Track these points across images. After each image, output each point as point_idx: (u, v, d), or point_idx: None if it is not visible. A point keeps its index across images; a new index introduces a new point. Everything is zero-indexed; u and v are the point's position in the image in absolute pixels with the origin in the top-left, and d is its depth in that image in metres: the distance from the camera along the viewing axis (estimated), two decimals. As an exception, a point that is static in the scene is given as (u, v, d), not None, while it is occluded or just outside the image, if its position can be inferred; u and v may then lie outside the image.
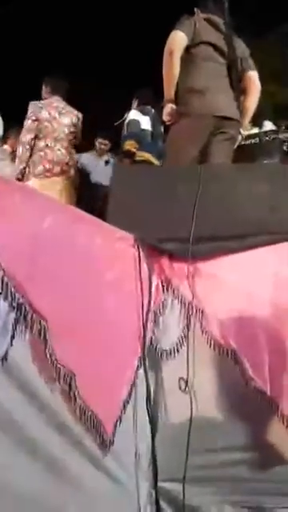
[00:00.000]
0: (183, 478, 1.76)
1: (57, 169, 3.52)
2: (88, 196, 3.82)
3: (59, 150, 3.55)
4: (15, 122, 4.18)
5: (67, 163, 3.59)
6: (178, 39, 2.56)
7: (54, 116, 3.58)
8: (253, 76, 2.77)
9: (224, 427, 1.85)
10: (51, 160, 3.51)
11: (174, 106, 2.64)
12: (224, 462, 1.84)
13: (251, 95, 2.76)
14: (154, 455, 1.79)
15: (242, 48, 2.77)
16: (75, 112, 3.74)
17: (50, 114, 3.58)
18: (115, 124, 3.92)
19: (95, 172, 4.33)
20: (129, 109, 3.82)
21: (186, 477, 1.77)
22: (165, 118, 2.72)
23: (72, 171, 3.62)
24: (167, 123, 2.77)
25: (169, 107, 2.65)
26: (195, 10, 2.73)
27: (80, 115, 3.75)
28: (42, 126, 3.54)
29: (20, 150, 3.58)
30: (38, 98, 3.73)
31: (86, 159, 4.41)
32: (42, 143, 3.52)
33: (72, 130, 3.66)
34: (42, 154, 3.51)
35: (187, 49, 2.61)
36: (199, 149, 2.60)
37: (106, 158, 4.48)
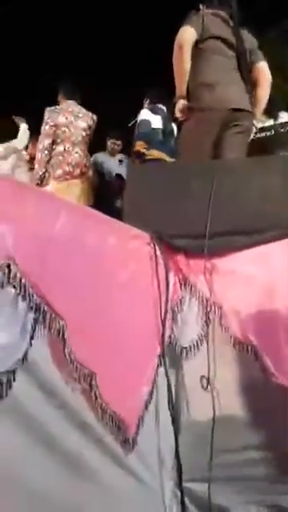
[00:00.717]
0: (208, 477, 1.74)
1: (77, 171, 3.57)
2: (107, 195, 3.85)
3: (77, 152, 3.60)
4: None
5: (85, 165, 3.64)
6: (188, 34, 2.56)
7: (70, 120, 3.63)
8: (262, 67, 2.74)
9: (248, 425, 1.82)
10: (70, 163, 3.55)
11: (185, 102, 2.63)
12: (249, 461, 1.81)
13: (262, 86, 2.74)
14: (177, 454, 1.77)
15: (249, 40, 2.75)
16: (90, 114, 3.79)
17: (66, 118, 3.63)
18: (129, 125, 3.94)
19: (111, 171, 4.36)
20: (140, 108, 3.83)
21: (211, 476, 1.75)
22: (177, 114, 2.71)
23: (90, 172, 3.68)
24: (180, 119, 2.76)
25: (180, 103, 2.63)
26: (200, 6, 2.72)
27: (95, 117, 3.80)
28: (60, 132, 3.59)
29: (39, 155, 3.63)
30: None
31: (101, 158, 4.44)
32: (60, 148, 3.57)
33: (88, 132, 3.73)
34: (60, 158, 3.56)
35: (196, 44, 2.60)
36: (213, 143, 2.58)
37: (119, 157, 4.50)
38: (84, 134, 3.69)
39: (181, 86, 2.62)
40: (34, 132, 4.10)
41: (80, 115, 3.71)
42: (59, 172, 3.53)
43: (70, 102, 3.74)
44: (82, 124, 3.69)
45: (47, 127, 3.60)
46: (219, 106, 2.55)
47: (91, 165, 3.81)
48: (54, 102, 3.79)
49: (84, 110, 3.77)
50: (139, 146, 3.67)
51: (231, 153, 2.59)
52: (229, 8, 2.67)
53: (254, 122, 2.75)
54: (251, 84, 2.69)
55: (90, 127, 3.75)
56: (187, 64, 2.58)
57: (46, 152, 3.58)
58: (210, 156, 2.56)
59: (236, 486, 1.81)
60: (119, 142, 4.52)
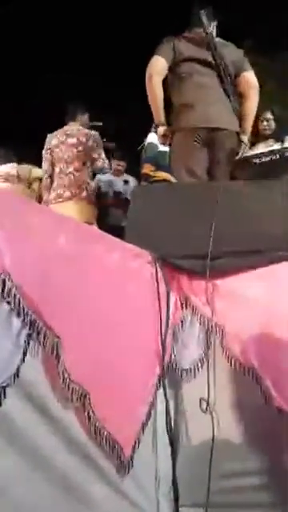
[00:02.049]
0: (206, 503, 1.69)
1: (67, 193, 3.51)
2: (109, 214, 3.86)
3: (71, 172, 3.55)
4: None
5: (79, 185, 3.55)
6: (157, 64, 2.65)
7: (61, 140, 3.63)
8: (247, 76, 2.74)
9: (248, 450, 1.77)
10: (65, 185, 3.53)
11: (165, 127, 2.69)
12: (248, 487, 1.76)
13: (248, 98, 2.75)
14: (174, 478, 1.73)
15: (232, 52, 2.76)
16: (86, 131, 3.70)
17: (58, 139, 3.64)
18: (137, 149, 3.99)
19: (115, 191, 4.39)
20: (145, 129, 3.90)
21: (209, 502, 1.70)
22: (159, 140, 2.78)
23: (84, 193, 3.55)
24: (163, 145, 2.82)
25: (161, 130, 2.70)
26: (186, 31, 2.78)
27: (92, 133, 3.68)
28: (54, 153, 3.61)
29: (43, 181, 3.71)
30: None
31: (106, 178, 4.47)
32: (57, 169, 3.58)
33: (80, 148, 3.59)
34: (59, 179, 3.56)
35: (172, 69, 2.67)
36: (197, 162, 2.61)
37: (124, 177, 4.55)
38: (75, 150, 3.58)
39: (157, 113, 2.69)
40: (34, 134, 4.12)
41: (73, 133, 3.66)
42: (53, 195, 3.54)
43: (72, 123, 3.74)
44: (72, 141, 3.62)
45: (44, 152, 3.67)
46: (197, 125, 2.59)
47: (89, 184, 3.65)
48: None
49: (80, 128, 3.72)
50: (147, 168, 3.74)
51: (216, 172, 2.61)
52: (207, 26, 2.70)
53: (244, 137, 2.73)
54: (237, 97, 2.70)
55: (82, 143, 3.60)
56: (159, 93, 2.64)
57: (47, 175, 3.65)
58: (194, 175, 2.58)
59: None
60: (123, 163, 4.58)
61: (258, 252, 1.95)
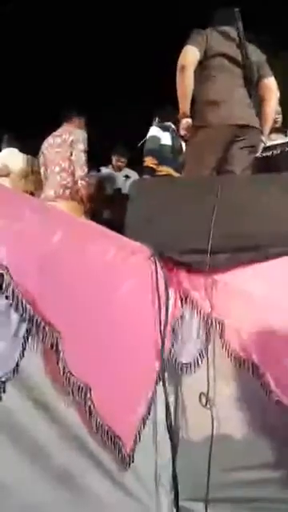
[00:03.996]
0: (205, 497, 1.70)
1: (51, 194, 3.52)
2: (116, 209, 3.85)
3: (58, 173, 3.55)
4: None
5: (63, 185, 3.54)
6: (190, 54, 2.59)
7: (50, 143, 3.65)
8: (269, 83, 2.76)
9: (248, 444, 1.78)
10: (52, 185, 3.54)
11: (189, 120, 2.65)
12: (249, 481, 1.76)
13: (268, 102, 2.76)
14: (174, 473, 1.74)
15: (257, 55, 2.76)
16: (70, 129, 3.69)
17: (48, 141, 3.66)
18: (138, 145, 3.98)
19: (116, 187, 4.39)
20: (147, 125, 3.89)
21: (210, 496, 1.70)
22: (181, 132, 2.74)
23: (67, 192, 3.53)
24: (184, 137, 2.80)
25: (184, 122, 2.66)
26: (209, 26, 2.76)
27: (78, 132, 3.66)
28: (45, 156, 3.65)
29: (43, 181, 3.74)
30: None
31: (106, 173, 4.47)
32: (49, 170, 3.60)
33: (64, 147, 3.59)
34: (49, 180, 3.58)
35: (201, 62, 2.62)
36: (217, 158, 2.60)
37: (124, 173, 4.54)
38: (60, 149, 3.59)
39: (184, 105, 2.64)
40: (33, 133, 4.09)
41: (60, 133, 3.66)
42: (42, 196, 3.55)
43: (66, 124, 3.74)
44: (57, 141, 3.63)
45: (39, 156, 3.72)
46: (223, 122, 2.57)
47: (75, 183, 3.57)
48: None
49: (65, 127, 3.71)
50: (148, 161, 3.72)
51: (235, 168, 2.59)
52: (235, 25, 2.69)
53: (263, 138, 2.75)
54: (257, 100, 2.71)
55: (65, 140, 3.60)
56: (190, 85, 2.59)
57: (43, 178, 3.69)
58: (214, 172, 2.57)
59: (236, 507, 1.76)
60: (124, 159, 4.57)
61: (258, 247, 1.94)
